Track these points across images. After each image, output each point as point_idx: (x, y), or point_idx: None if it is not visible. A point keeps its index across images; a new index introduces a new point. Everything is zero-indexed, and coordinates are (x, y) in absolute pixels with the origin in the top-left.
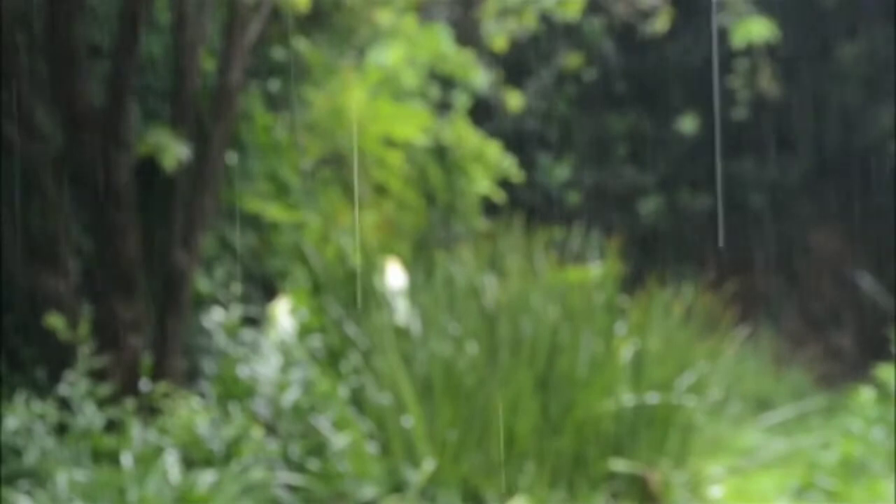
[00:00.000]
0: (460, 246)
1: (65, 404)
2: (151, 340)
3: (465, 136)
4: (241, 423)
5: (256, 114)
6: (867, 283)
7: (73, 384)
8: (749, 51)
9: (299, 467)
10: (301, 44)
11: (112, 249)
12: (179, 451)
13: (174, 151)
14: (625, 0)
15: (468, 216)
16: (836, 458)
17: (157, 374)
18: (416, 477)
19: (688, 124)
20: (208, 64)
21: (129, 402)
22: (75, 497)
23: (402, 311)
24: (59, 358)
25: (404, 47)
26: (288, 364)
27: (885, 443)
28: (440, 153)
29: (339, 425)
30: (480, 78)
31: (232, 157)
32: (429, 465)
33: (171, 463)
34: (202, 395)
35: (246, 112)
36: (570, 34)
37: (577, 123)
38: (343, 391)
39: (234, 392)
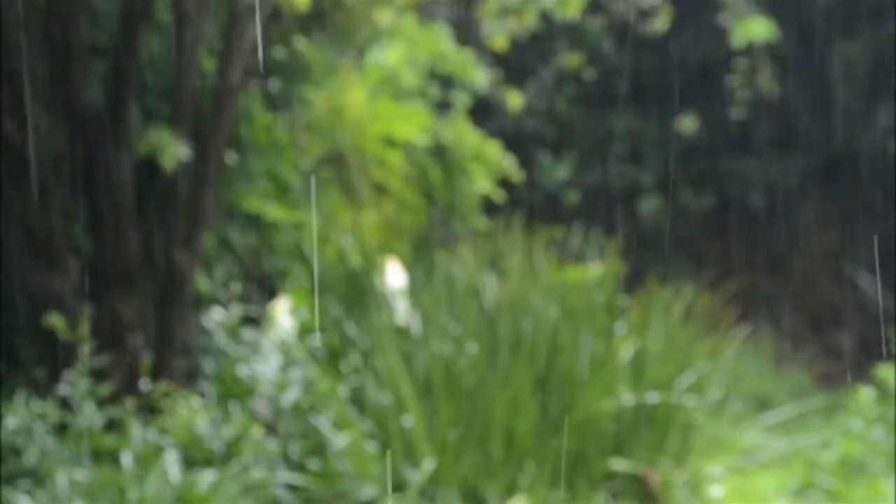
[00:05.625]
0: (460, 246)
1: (65, 404)
2: (151, 340)
3: (465, 135)
4: (241, 422)
5: (256, 114)
6: (867, 283)
7: (73, 384)
8: (749, 51)
9: (299, 467)
10: (301, 44)
11: (112, 249)
12: (179, 450)
13: (174, 151)
14: (625, 0)
15: (468, 216)
16: (836, 457)
17: (157, 374)
18: (416, 477)
19: (688, 124)
20: (208, 64)
21: (129, 402)
22: (75, 497)
23: (402, 311)
24: (59, 358)
25: (404, 47)
26: (288, 364)
27: (884, 442)
28: (440, 153)
29: (339, 425)
30: (480, 78)
31: (232, 157)
32: (429, 464)
33: (171, 462)
34: (202, 395)
35: (246, 112)
36: (570, 34)
37: (577, 123)
38: (343, 391)
39: (234, 392)
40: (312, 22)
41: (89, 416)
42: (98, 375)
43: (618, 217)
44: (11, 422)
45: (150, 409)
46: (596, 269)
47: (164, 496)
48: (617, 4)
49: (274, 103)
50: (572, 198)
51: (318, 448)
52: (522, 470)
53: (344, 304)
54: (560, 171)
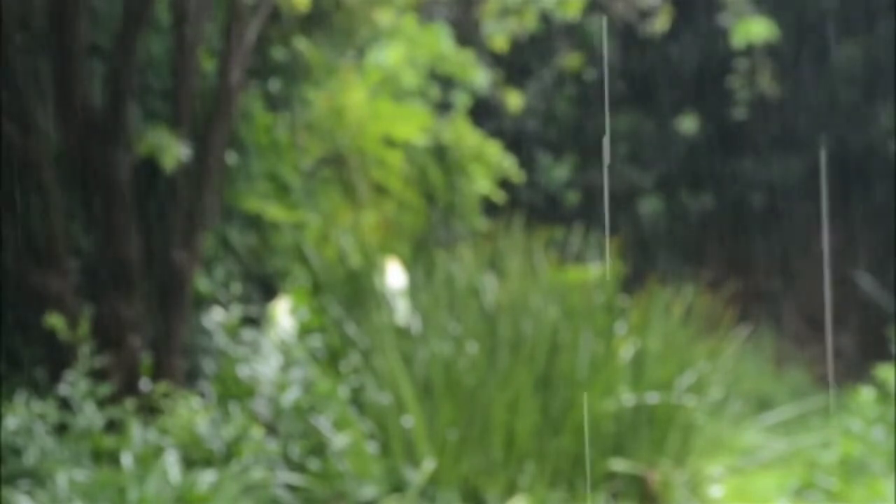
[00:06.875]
0: (460, 246)
1: (65, 404)
2: (151, 340)
3: (465, 136)
4: (241, 422)
5: (256, 114)
6: (867, 283)
7: (73, 384)
8: (749, 51)
9: (299, 467)
10: (301, 44)
11: (112, 249)
12: (179, 450)
13: (174, 151)
14: (625, 0)
15: (468, 216)
16: (836, 457)
17: (157, 374)
18: (416, 477)
19: (688, 124)
20: (208, 64)
21: (129, 402)
22: (75, 497)
23: (402, 311)
24: (59, 358)
25: (404, 47)
26: (288, 364)
27: (885, 442)
28: (440, 153)
29: (339, 425)
30: (480, 78)
31: (232, 157)
32: (429, 465)
33: (171, 463)
34: (202, 395)
35: (246, 112)
36: (570, 34)
37: (577, 123)
38: (343, 391)
39: (234, 392)
40: (312, 22)
41: (89, 416)
42: (98, 375)
43: (618, 217)
44: (11, 422)
45: (150, 410)
46: (596, 269)
47: (164, 496)
48: (617, 4)
49: (274, 103)
50: (572, 198)
51: (318, 448)
52: (522, 470)
53: (344, 304)
54: (560, 171)
